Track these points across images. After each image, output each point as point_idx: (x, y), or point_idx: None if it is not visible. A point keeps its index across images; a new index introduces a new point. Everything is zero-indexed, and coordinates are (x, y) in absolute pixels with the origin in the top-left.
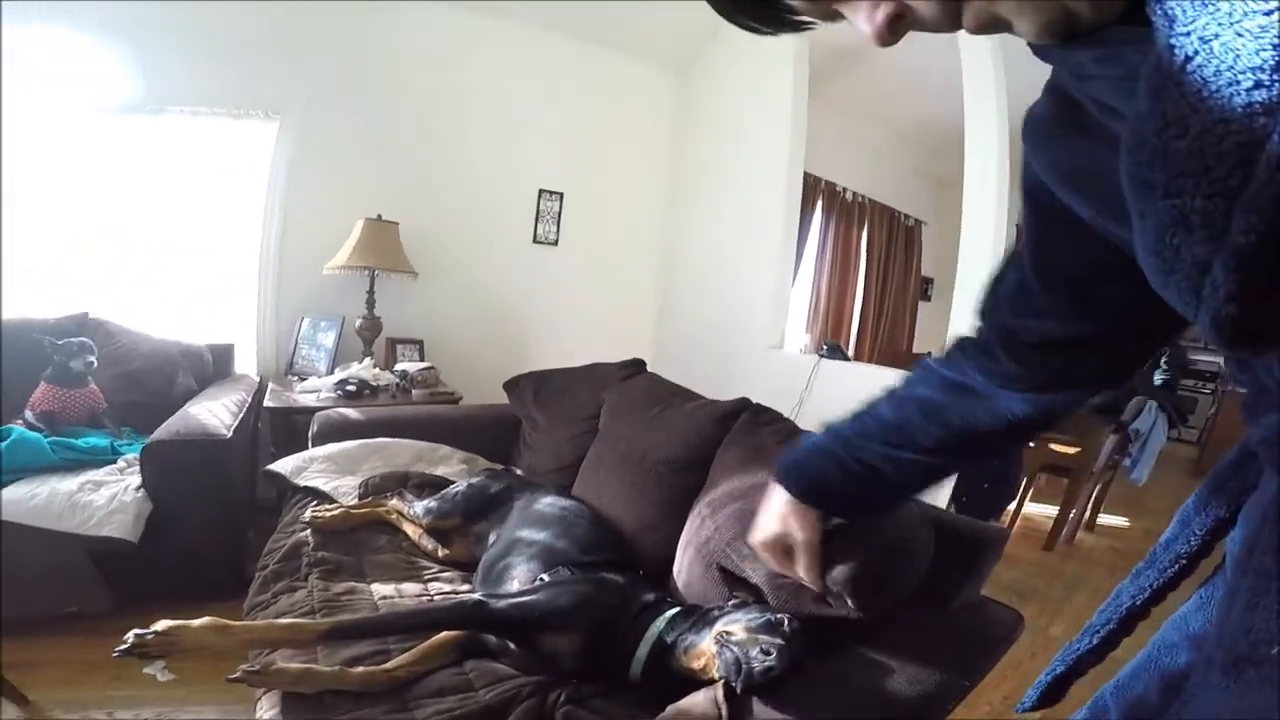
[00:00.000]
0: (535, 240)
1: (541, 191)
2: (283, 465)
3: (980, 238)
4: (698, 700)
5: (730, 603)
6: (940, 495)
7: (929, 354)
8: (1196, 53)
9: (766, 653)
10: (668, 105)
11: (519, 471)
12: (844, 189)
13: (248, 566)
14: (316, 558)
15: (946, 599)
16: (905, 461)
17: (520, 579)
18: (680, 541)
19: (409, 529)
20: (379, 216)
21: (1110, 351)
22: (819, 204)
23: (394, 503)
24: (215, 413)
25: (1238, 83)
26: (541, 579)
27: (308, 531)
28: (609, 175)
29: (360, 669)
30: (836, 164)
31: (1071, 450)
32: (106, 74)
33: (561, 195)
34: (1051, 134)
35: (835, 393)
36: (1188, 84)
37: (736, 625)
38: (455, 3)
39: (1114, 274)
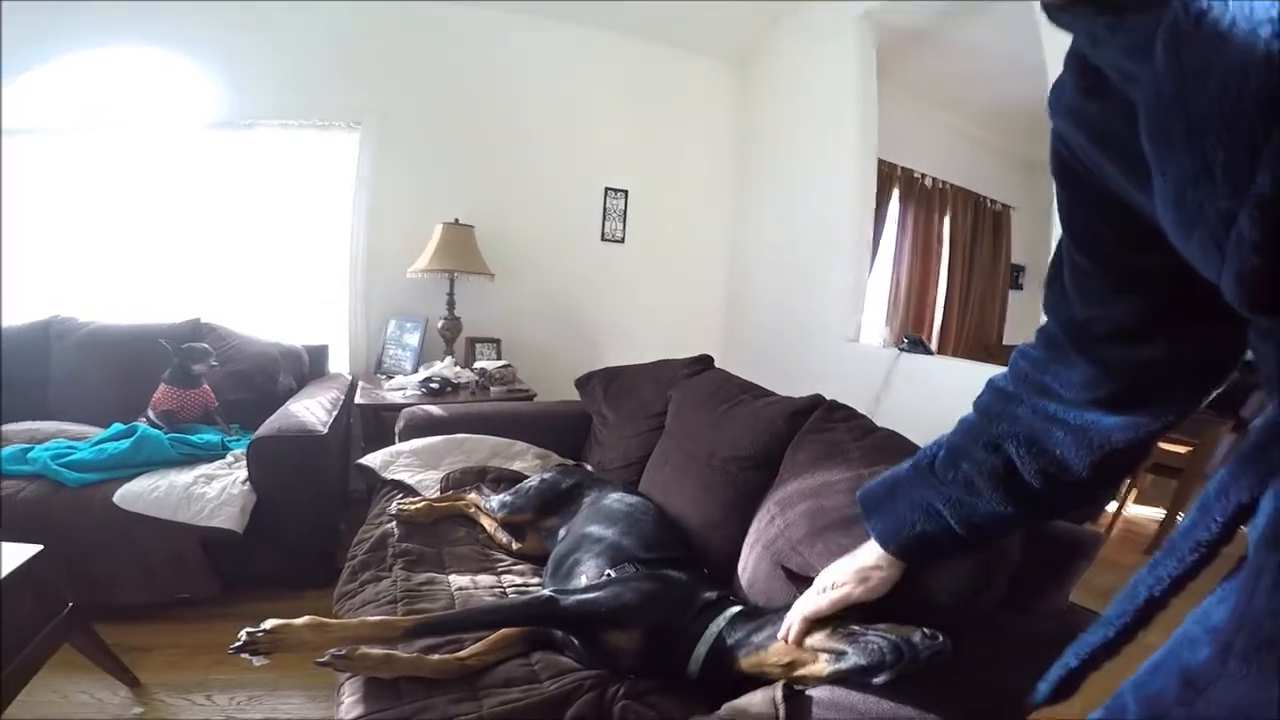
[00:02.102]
0: (603, 238)
1: (608, 190)
2: (372, 459)
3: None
4: (754, 700)
5: None
6: None
7: (1015, 348)
8: (1211, 7)
9: (933, 637)
10: (730, 98)
11: (589, 467)
12: (922, 175)
13: (339, 556)
14: (401, 549)
15: (1028, 604)
16: (996, 517)
17: (588, 575)
18: (747, 540)
19: (485, 522)
20: (456, 220)
21: (1191, 340)
22: (895, 191)
23: (472, 496)
24: (312, 410)
25: (1256, 33)
26: (608, 574)
27: (394, 523)
28: (674, 171)
29: (436, 657)
30: (913, 150)
31: (1183, 449)
32: (199, 92)
33: (627, 193)
34: (1075, 99)
35: (916, 389)
36: (1205, 37)
37: (826, 622)
38: (518, 7)
39: (1160, 242)
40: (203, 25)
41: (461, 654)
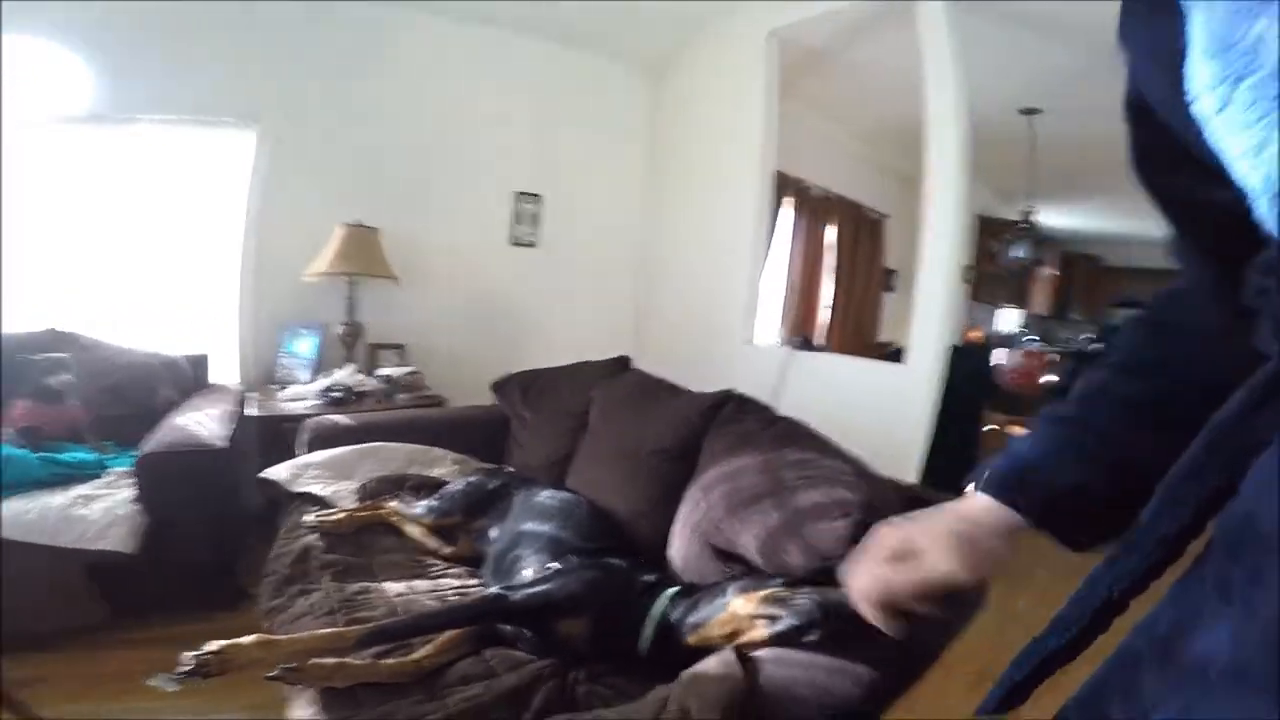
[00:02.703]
0: (514, 242)
1: (519, 194)
2: (276, 473)
3: (942, 229)
4: (710, 664)
5: (728, 575)
6: (908, 467)
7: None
8: None
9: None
10: (643, 106)
11: (511, 469)
12: (811, 185)
13: (244, 575)
14: (326, 560)
15: None
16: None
17: (532, 569)
18: (676, 524)
19: (411, 529)
20: (359, 222)
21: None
22: (789, 200)
23: (393, 504)
24: (204, 423)
25: None
26: (551, 568)
27: (314, 535)
28: (586, 177)
29: (390, 661)
30: (805, 162)
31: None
32: (70, 81)
33: (539, 197)
34: (1145, 17)
35: (808, 383)
36: None
37: (766, 589)
38: (431, 6)
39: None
40: (76, 9)
41: (414, 656)
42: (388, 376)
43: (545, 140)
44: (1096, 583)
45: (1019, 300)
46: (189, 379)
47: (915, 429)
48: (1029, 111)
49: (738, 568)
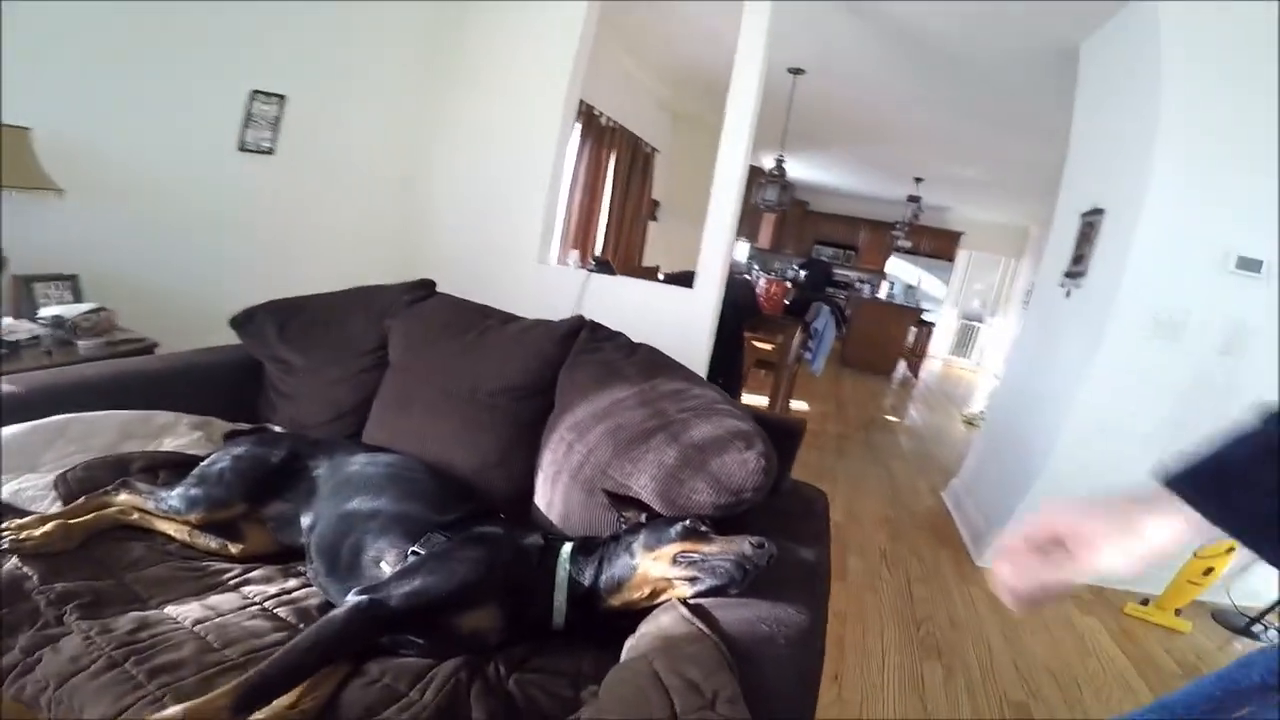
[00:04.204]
0: (242, 148)
1: (255, 93)
2: None
3: (732, 174)
4: (663, 622)
5: (624, 526)
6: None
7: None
8: None
9: (760, 546)
10: (435, 16)
11: (276, 429)
12: (601, 113)
13: None
14: (58, 592)
15: (778, 485)
16: None
17: (388, 560)
18: (541, 473)
19: (166, 528)
20: None
21: None
22: (578, 126)
23: (125, 498)
24: None
25: None
26: (415, 553)
27: (14, 561)
28: (350, 81)
29: (264, 714)
30: (599, 89)
31: (770, 346)
32: None
33: (283, 98)
34: None
35: (605, 305)
36: None
37: (669, 545)
38: None
39: None
40: None
41: (286, 701)
42: (58, 318)
43: (306, 38)
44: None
45: (751, 235)
46: None
47: (701, 346)
48: (796, 71)
49: (631, 511)
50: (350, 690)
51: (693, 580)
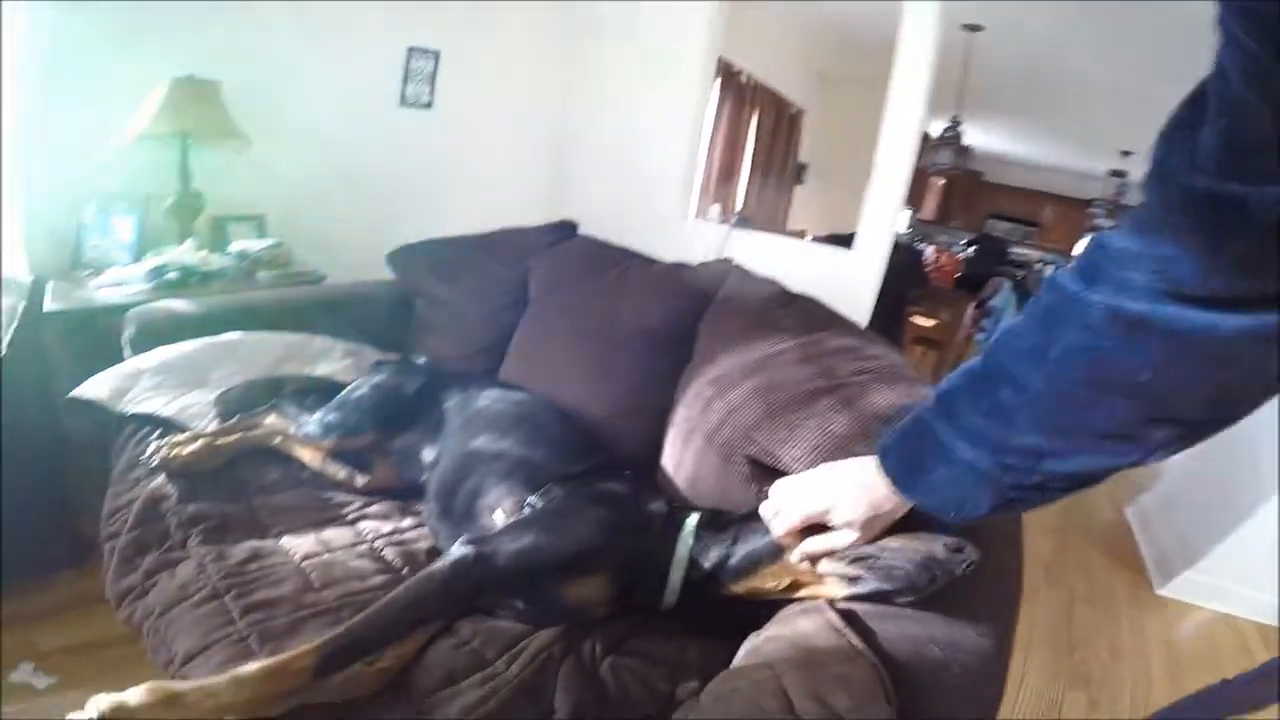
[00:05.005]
0: (404, 103)
1: (412, 50)
2: (95, 388)
3: (903, 137)
4: (803, 627)
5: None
6: None
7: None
8: None
9: (958, 550)
10: None
11: (423, 360)
12: (740, 70)
13: (82, 521)
14: (189, 514)
15: None
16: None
17: (505, 509)
18: (673, 430)
19: (304, 454)
20: (190, 76)
21: None
22: (718, 83)
23: (272, 420)
24: None
25: None
26: (531, 504)
27: (163, 479)
28: (495, 36)
29: (340, 676)
30: (741, 47)
31: (932, 323)
32: None
33: (438, 54)
34: None
35: (748, 262)
36: None
37: (818, 538)
38: None
39: None
40: None
41: (372, 661)
42: (243, 252)
43: None
44: None
45: (915, 203)
46: None
47: (860, 314)
48: (972, 28)
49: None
50: (436, 649)
51: (853, 580)
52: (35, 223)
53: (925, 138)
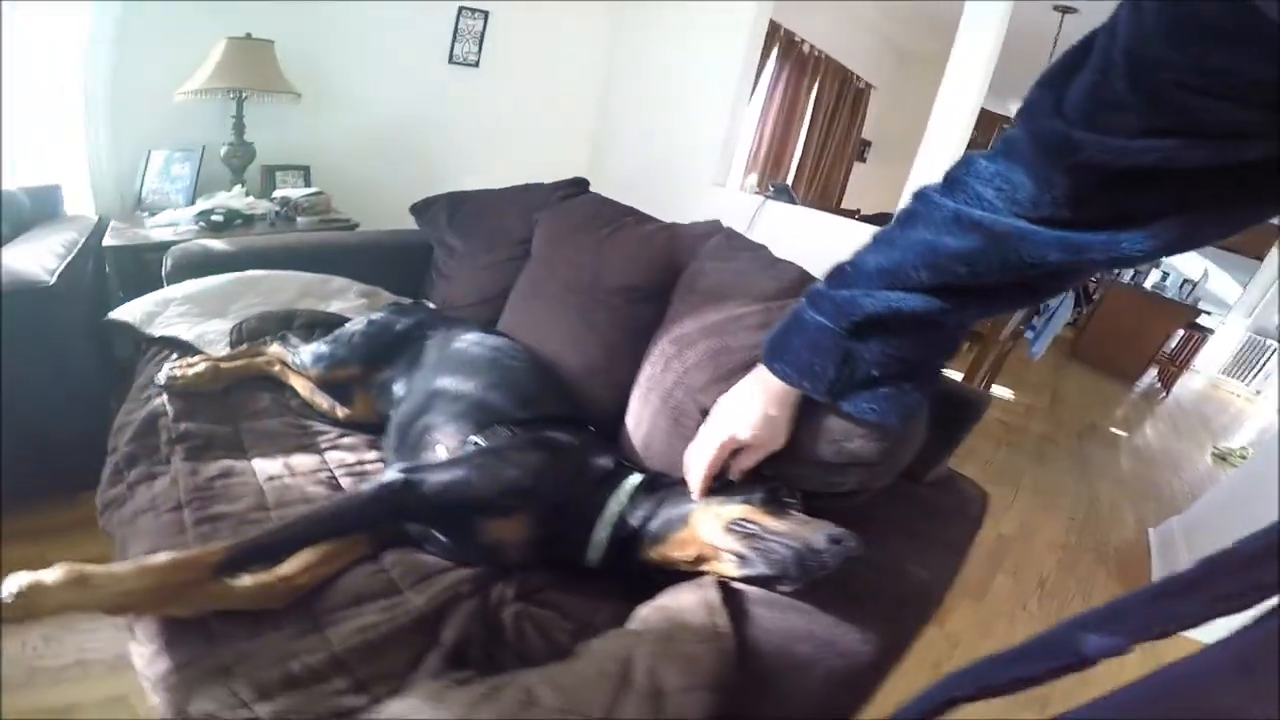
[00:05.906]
0: (452, 60)
1: (463, 9)
2: (129, 312)
3: (955, 116)
4: (684, 602)
5: None
6: None
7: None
8: None
9: (837, 541)
10: None
11: (430, 305)
12: (802, 40)
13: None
14: (179, 431)
15: (929, 471)
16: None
17: (447, 445)
18: (637, 387)
19: (297, 383)
20: (248, 35)
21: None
22: (775, 51)
23: (275, 349)
24: (36, 257)
25: None
26: (473, 442)
27: (164, 397)
28: None
29: (248, 581)
30: (801, 15)
31: None
32: None
33: (487, 14)
34: None
35: (778, 234)
36: None
37: (734, 506)
38: None
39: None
40: None
41: (284, 570)
42: (285, 198)
43: None
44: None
45: None
46: (24, 212)
47: None
48: (1065, 10)
49: None
50: (353, 574)
51: (741, 559)
52: (102, 168)
53: (993, 120)
